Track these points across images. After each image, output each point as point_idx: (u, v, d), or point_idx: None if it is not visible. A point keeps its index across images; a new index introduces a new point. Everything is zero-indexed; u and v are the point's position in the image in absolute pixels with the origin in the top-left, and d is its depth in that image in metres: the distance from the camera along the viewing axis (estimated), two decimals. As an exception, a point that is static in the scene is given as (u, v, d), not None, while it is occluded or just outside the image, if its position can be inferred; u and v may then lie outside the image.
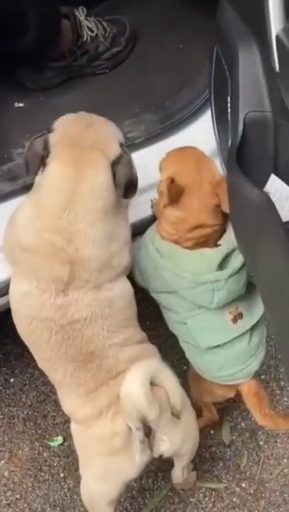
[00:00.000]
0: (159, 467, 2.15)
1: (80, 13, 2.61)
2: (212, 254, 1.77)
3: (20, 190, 2.04)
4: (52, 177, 1.63)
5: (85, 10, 2.63)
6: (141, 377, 1.61)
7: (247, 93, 1.62)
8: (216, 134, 1.98)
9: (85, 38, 2.59)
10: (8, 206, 2.00)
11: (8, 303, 1.83)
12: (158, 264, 1.81)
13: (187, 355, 1.97)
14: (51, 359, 1.70)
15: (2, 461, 2.24)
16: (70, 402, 1.74)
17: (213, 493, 2.15)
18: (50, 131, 1.69)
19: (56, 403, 2.33)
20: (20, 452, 2.26)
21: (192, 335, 1.85)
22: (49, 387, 2.42)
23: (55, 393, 2.28)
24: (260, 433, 2.27)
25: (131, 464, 1.73)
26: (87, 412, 1.70)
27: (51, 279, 1.62)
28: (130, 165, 1.71)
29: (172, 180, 1.73)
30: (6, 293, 1.81)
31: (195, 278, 1.74)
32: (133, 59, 2.80)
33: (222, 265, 1.77)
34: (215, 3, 1.84)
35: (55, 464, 2.23)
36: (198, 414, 2.06)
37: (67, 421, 2.27)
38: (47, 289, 1.62)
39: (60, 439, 2.28)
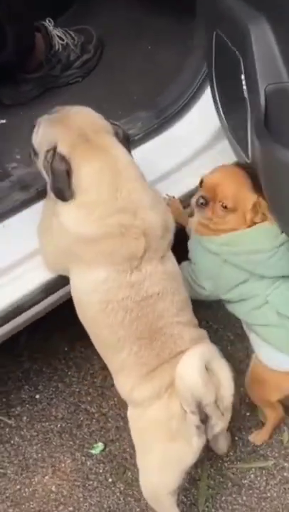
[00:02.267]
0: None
1: (49, 24, 2.64)
2: (272, 219, 1.86)
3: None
4: (90, 176, 1.68)
5: (52, 21, 2.67)
6: (198, 358, 1.64)
7: (264, 67, 1.67)
8: (223, 117, 2.02)
9: (56, 48, 2.64)
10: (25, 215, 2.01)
11: (19, 322, 1.92)
12: (228, 255, 1.88)
13: (269, 339, 1.96)
14: (120, 339, 1.72)
15: (46, 477, 2.19)
16: (129, 383, 1.75)
17: (264, 471, 2.17)
18: (54, 147, 1.70)
19: (88, 412, 2.32)
20: (63, 465, 2.22)
21: (277, 308, 1.88)
22: (77, 398, 2.39)
23: (84, 402, 2.29)
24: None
25: (189, 450, 1.74)
26: (146, 391, 1.72)
27: (127, 258, 1.68)
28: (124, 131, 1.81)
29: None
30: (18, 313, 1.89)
31: (272, 243, 1.83)
32: (103, 66, 2.84)
33: None
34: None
35: (101, 471, 2.20)
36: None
37: (103, 427, 2.27)
38: (123, 269, 1.68)
39: (100, 446, 2.25)
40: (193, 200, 1.93)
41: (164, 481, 1.82)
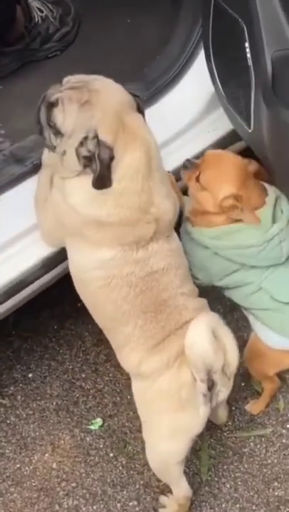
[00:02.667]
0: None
1: (28, -5, 2.58)
2: (265, 212, 1.85)
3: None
4: (129, 167, 1.63)
5: (30, -8, 2.60)
6: (206, 326, 1.66)
7: (270, 34, 1.67)
8: (219, 87, 2.01)
9: (36, 19, 2.57)
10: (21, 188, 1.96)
11: (19, 299, 1.91)
12: (218, 249, 1.87)
13: (267, 322, 1.98)
14: (125, 313, 1.71)
15: (46, 455, 2.17)
16: (136, 356, 1.74)
17: (263, 439, 2.20)
18: (96, 134, 1.60)
19: (83, 388, 2.30)
20: (63, 442, 2.20)
21: (272, 294, 1.89)
22: (71, 375, 2.37)
23: (79, 379, 2.28)
24: (288, 376, 2.33)
25: (197, 418, 1.75)
26: (155, 363, 1.71)
27: (136, 239, 1.66)
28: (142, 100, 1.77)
29: (239, 195, 1.82)
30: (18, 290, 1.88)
31: (262, 237, 1.81)
32: (81, 40, 2.78)
33: (274, 218, 1.84)
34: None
35: (101, 446, 2.19)
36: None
37: (100, 403, 2.26)
38: (130, 248, 1.67)
39: (99, 421, 2.24)
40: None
41: (173, 451, 1.82)
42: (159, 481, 2.09)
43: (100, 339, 2.46)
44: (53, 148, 1.69)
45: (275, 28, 1.67)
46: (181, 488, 1.92)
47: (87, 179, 1.63)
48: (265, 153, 1.83)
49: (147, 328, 1.71)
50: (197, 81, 2.24)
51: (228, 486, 2.09)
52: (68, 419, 2.25)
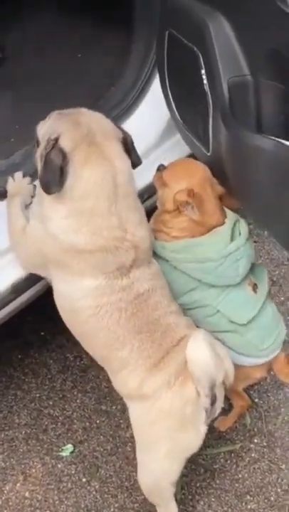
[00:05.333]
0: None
1: None
2: (223, 230, 1.91)
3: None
4: (91, 182, 1.67)
5: None
6: (204, 341, 1.69)
7: (225, 61, 1.76)
8: (176, 114, 2.09)
9: None
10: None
11: None
12: (178, 262, 1.91)
13: (227, 344, 1.98)
14: (120, 337, 1.73)
15: (18, 484, 2.15)
16: (136, 378, 1.75)
17: (232, 454, 2.24)
18: (56, 138, 1.67)
19: (51, 416, 2.30)
20: (34, 470, 2.19)
21: (229, 317, 1.93)
22: (38, 403, 2.37)
23: (46, 407, 2.29)
24: (252, 392, 2.39)
25: (197, 437, 1.78)
26: (156, 383, 1.72)
27: (117, 267, 1.70)
28: (132, 138, 1.79)
29: (193, 191, 1.86)
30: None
31: (220, 253, 1.86)
32: (34, 76, 2.83)
33: (232, 238, 1.91)
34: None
35: (73, 472, 2.18)
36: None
37: (69, 429, 2.26)
38: (114, 277, 1.70)
39: (70, 447, 2.24)
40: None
41: (168, 472, 1.83)
42: (134, 502, 2.11)
43: (66, 366, 2.48)
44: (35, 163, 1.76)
45: (230, 56, 1.76)
46: (170, 509, 1.93)
47: (61, 204, 1.67)
48: (224, 173, 1.91)
49: (144, 348, 1.73)
50: (151, 110, 2.33)
51: (201, 503, 2.11)
52: (38, 447, 2.24)
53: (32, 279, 1.95)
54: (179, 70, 2.02)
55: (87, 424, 2.31)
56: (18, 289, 1.93)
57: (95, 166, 1.68)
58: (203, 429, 1.77)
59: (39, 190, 1.76)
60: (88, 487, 2.15)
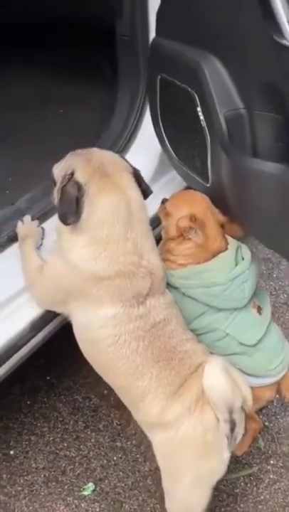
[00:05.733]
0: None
1: None
2: (227, 255, 2.02)
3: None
4: (106, 211, 1.77)
5: None
6: (220, 367, 1.76)
7: (220, 97, 1.90)
8: (171, 152, 2.22)
9: None
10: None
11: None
12: (186, 288, 2.00)
13: (237, 366, 2.02)
14: (139, 366, 1.78)
15: (44, 528, 2.13)
16: (157, 406, 1.79)
17: (251, 477, 2.28)
18: (72, 173, 1.79)
19: (68, 457, 2.32)
20: (58, 512, 2.18)
21: (237, 339, 2.01)
22: (53, 446, 2.38)
23: (62, 449, 2.31)
24: (261, 416, 2.45)
25: (221, 463, 1.82)
26: (178, 410, 1.77)
27: (134, 295, 1.77)
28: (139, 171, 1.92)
29: (194, 216, 1.98)
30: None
31: (226, 276, 1.96)
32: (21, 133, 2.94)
33: (236, 263, 2.02)
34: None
35: (97, 510, 2.19)
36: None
37: (88, 468, 2.28)
38: (130, 305, 1.77)
39: (91, 486, 2.25)
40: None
41: (197, 500, 1.86)
42: (162, 533, 2.11)
43: (76, 407, 2.51)
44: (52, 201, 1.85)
45: (224, 92, 1.90)
46: None
47: (80, 235, 1.75)
48: (225, 202, 2.02)
49: (163, 376, 1.78)
50: (143, 151, 2.45)
51: (228, 527, 2.13)
52: (59, 489, 2.23)
53: (48, 317, 1.99)
54: (172, 111, 2.15)
55: (105, 461, 2.32)
56: (35, 326, 1.98)
57: (109, 195, 1.79)
58: (226, 455, 1.80)
59: (58, 225, 1.84)
60: (114, 523, 2.15)
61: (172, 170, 2.38)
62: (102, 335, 1.79)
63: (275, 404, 2.51)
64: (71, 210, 1.75)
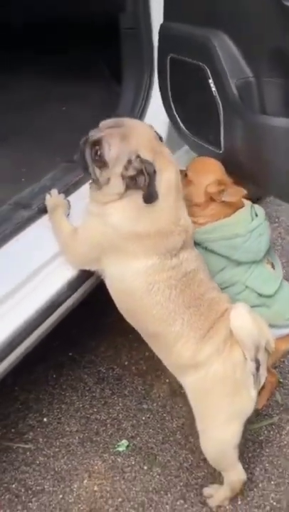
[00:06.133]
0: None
1: None
2: (245, 210, 2.23)
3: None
4: (169, 182, 1.95)
5: None
6: (246, 309, 1.95)
7: (230, 67, 2.10)
8: (183, 128, 2.42)
9: None
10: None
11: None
12: (209, 242, 2.18)
13: None
14: (172, 312, 1.94)
15: (85, 481, 2.26)
16: (190, 349, 1.95)
17: (273, 426, 2.44)
18: (138, 155, 1.90)
19: (99, 420, 2.46)
20: (96, 468, 2.30)
21: (256, 291, 2.20)
22: (83, 411, 2.51)
23: (92, 413, 2.46)
24: (276, 369, 2.62)
25: (249, 400, 1.98)
26: (209, 350, 1.93)
27: (169, 249, 1.95)
28: None
29: (221, 181, 2.18)
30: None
31: (246, 228, 2.17)
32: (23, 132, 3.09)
33: (252, 217, 2.22)
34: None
35: (133, 463, 2.31)
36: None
37: (119, 429, 2.41)
38: (165, 258, 1.94)
39: (125, 442, 2.37)
40: None
41: (230, 436, 2.00)
42: (196, 478, 2.25)
43: (100, 377, 2.65)
44: (97, 181, 1.97)
45: (233, 62, 2.10)
46: (238, 472, 2.08)
47: (127, 201, 1.94)
48: (237, 165, 2.22)
49: (194, 321, 1.95)
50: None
51: (257, 469, 2.28)
52: (95, 448, 2.36)
53: (83, 277, 2.15)
54: (183, 89, 2.35)
55: (134, 421, 2.46)
56: (72, 286, 2.12)
57: (169, 168, 1.96)
58: (254, 392, 1.96)
59: (96, 194, 2.00)
60: (151, 473, 2.27)
61: (178, 151, 2.58)
62: (139, 283, 1.95)
63: (286, 362, 2.68)
64: (155, 189, 1.90)
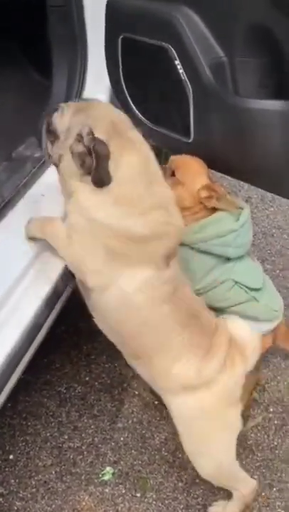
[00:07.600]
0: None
1: None
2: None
3: None
4: (130, 167, 1.66)
5: None
6: (242, 321, 1.88)
7: (201, 47, 1.91)
8: (138, 115, 2.19)
9: None
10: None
11: None
12: (200, 244, 2.03)
13: (243, 314, 2.12)
14: (173, 331, 1.73)
15: (75, 520, 2.00)
16: (193, 367, 1.74)
17: (259, 427, 2.32)
18: (91, 132, 1.64)
19: (73, 448, 2.21)
20: (84, 504, 2.06)
21: (246, 285, 2.10)
22: (53, 441, 2.25)
23: (64, 441, 2.20)
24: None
25: (240, 408, 1.83)
26: (214, 365, 1.75)
27: (163, 256, 1.70)
28: None
29: (212, 186, 2.04)
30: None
31: (238, 223, 2.04)
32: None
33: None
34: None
35: (124, 491, 2.09)
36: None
37: (98, 455, 2.21)
38: (162, 267, 1.70)
39: (109, 469, 2.15)
40: None
41: (231, 451, 1.85)
42: (196, 498, 2.07)
43: (62, 399, 2.38)
44: (49, 157, 1.72)
45: (203, 42, 1.91)
46: (246, 483, 1.93)
47: (104, 194, 1.66)
48: (211, 155, 2.04)
49: (194, 338, 1.75)
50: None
51: (255, 476, 2.13)
52: (77, 481, 2.11)
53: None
54: (139, 72, 2.12)
55: (113, 444, 2.23)
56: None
57: (129, 151, 1.68)
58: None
59: (70, 187, 1.72)
60: (146, 499, 2.06)
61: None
62: (140, 298, 1.70)
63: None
64: (107, 170, 1.63)
